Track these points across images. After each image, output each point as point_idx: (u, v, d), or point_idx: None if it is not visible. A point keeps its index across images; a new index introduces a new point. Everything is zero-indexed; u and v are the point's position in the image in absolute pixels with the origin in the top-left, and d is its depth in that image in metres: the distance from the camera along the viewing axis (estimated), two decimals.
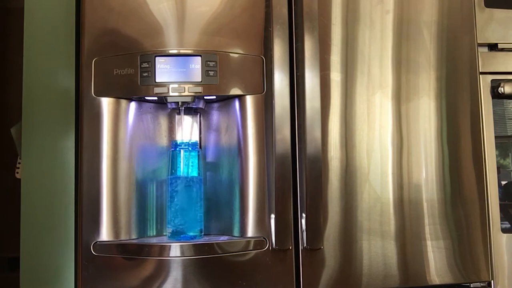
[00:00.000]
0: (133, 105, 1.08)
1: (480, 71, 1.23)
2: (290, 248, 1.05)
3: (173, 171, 1.07)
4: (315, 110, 1.06)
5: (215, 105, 1.14)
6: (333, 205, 1.10)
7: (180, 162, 1.07)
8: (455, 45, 1.21)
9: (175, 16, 1.06)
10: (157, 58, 1.03)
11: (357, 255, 1.10)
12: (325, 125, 1.10)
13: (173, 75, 1.03)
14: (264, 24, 1.09)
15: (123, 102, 1.06)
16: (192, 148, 1.08)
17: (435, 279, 1.13)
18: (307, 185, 1.05)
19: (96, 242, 1.02)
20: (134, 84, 1.03)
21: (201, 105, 1.11)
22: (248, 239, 1.04)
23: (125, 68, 1.04)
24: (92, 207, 1.03)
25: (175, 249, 1.00)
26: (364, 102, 1.14)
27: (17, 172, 1.30)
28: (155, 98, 1.06)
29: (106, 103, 1.05)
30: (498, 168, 1.25)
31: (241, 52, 1.07)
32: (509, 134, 1.34)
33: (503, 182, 1.32)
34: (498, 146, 1.26)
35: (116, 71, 1.04)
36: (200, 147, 1.15)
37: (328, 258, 1.08)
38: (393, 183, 1.13)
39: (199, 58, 1.04)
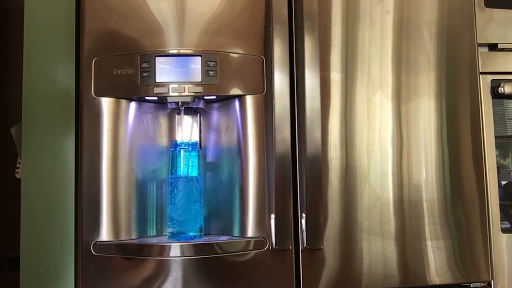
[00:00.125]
0: (133, 105, 1.08)
1: (480, 71, 1.23)
2: (290, 248, 1.05)
3: (173, 171, 1.07)
4: (315, 110, 1.06)
5: (215, 105, 1.14)
6: (333, 205, 1.10)
7: (180, 162, 1.07)
8: (455, 45, 1.20)
9: (175, 16, 1.06)
10: (157, 58, 1.03)
11: (357, 255, 1.10)
12: (325, 125, 1.10)
13: (173, 75, 1.03)
14: (264, 24, 1.09)
15: (123, 102, 1.06)
16: (192, 148, 1.08)
17: (435, 279, 1.13)
18: (307, 185, 1.05)
19: (96, 242, 1.02)
20: (134, 84, 1.03)
21: (201, 105, 1.11)
22: (248, 239, 1.04)
23: (125, 68, 1.04)
24: (92, 207, 1.03)
25: (175, 249, 1.00)
26: (364, 102, 1.14)
27: (17, 172, 1.30)
28: (155, 98, 1.06)
29: (106, 103, 1.05)
30: (498, 168, 1.25)
31: (241, 52, 1.07)
32: (509, 134, 1.34)
33: (503, 182, 1.32)
34: (498, 146, 1.26)
35: (116, 71, 1.04)
36: (200, 147, 1.14)
37: (328, 258, 1.08)
38: (393, 183, 1.13)
39: (199, 58, 1.04)
